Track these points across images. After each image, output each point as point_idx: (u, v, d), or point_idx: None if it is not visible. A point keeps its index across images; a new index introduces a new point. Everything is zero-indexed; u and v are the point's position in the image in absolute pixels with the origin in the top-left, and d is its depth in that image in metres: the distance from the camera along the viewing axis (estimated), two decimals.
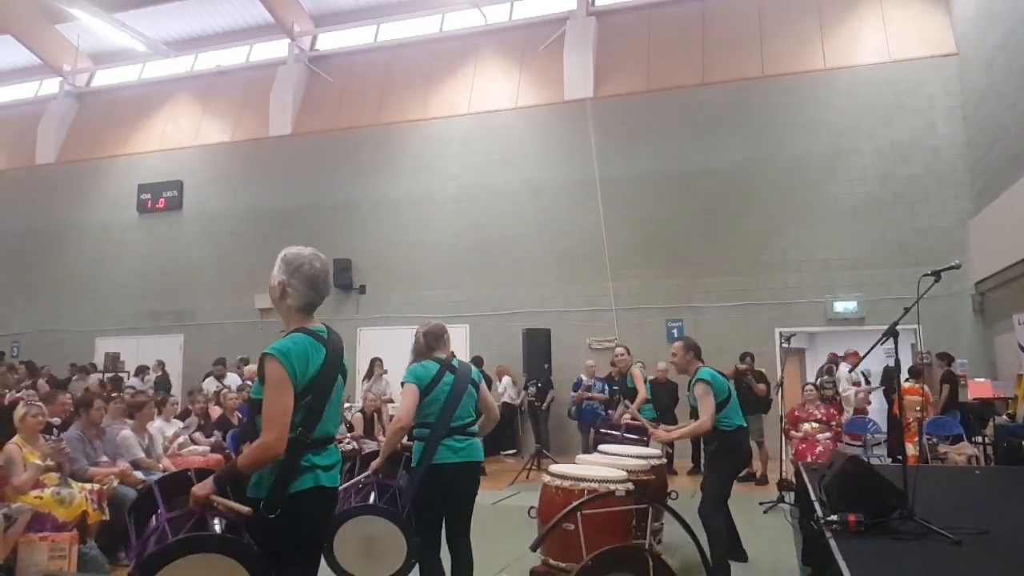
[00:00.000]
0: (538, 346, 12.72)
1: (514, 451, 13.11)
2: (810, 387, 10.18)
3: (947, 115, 12.64)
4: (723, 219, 13.43)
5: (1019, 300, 10.05)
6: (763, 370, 10.79)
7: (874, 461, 8.20)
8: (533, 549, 4.16)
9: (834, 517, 3.89)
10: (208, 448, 8.36)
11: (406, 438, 4.31)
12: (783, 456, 9.40)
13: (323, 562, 3.52)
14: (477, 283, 14.62)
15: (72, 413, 6.99)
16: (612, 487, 4.38)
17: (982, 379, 10.52)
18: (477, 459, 4.25)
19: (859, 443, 10.00)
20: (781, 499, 8.04)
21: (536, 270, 14.28)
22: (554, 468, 4.86)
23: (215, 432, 8.92)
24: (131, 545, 3.10)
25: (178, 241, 17.16)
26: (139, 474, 6.51)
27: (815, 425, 9.08)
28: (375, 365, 12.29)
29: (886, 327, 4.25)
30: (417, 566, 4.16)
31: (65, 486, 5.59)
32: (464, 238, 14.88)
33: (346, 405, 8.62)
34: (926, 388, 10.09)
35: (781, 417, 9.44)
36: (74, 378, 13.22)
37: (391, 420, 11.13)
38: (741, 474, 7.28)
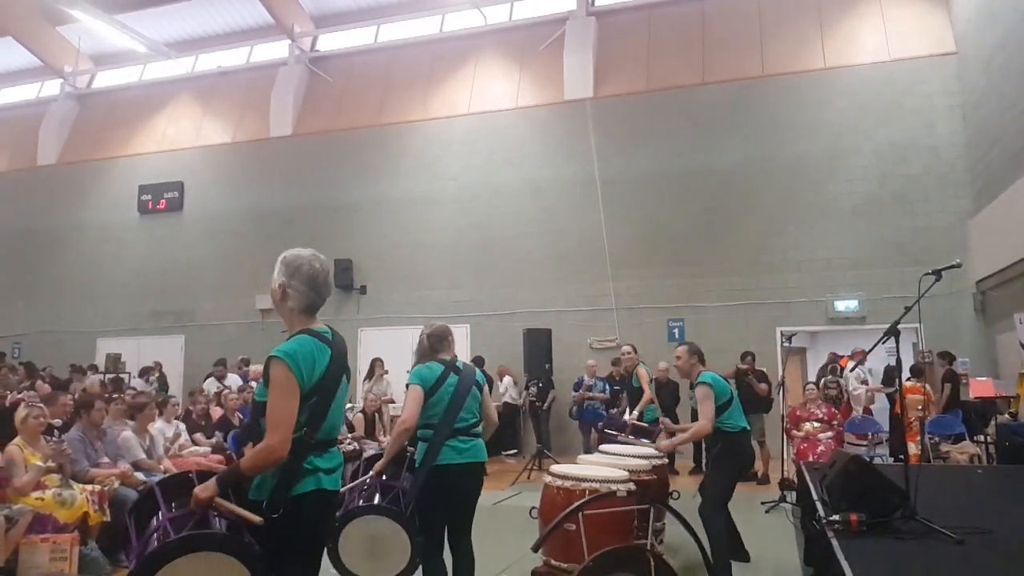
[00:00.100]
0: (539, 346, 12.71)
1: (515, 451, 13.10)
2: (811, 386, 10.18)
3: (947, 114, 12.63)
4: (723, 219, 13.43)
5: (1020, 299, 10.04)
6: (764, 370, 10.78)
7: (876, 460, 8.20)
8: (535, 550, 4.16)
9: (836, 517, 3.89)
10: (209, 449, 8.37)
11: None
12: (785, 456, 9.40)
13: (327, 562, 3.52)
14: (478, 283, 14.62)
15: (73, 414, 6.98)
16: (613, 487, 4.38)
17: (984, 378, 10.51)
18: (481, 460, 4.28)
19: (864, 443, 9.98)
20: (783, 499, 8.03)
21: (537, 270, 14.28)
22: (555, 468, 4.85)
23: (216, 433, 8.93)
24: (132, 546, 3.10)
25: (179, 242, 17.16)
26: (140, 475, 6.51)
27: (816, 424, 9.07)
28: (376, 365, 12.29)
29: (887, 326, 4.25)
30: (420, 566, 4.17)
31: (66, 487, 5.58)
32: (465, 238, 14.88)
33: (348, 406, 8.64)
34: (928, 387, 10.08)
35: (782, 417, 9.44)
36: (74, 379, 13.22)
37: (392, 421, 11.21)
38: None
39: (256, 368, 12.06)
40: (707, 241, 13.44)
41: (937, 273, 4.26)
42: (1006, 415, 9.34)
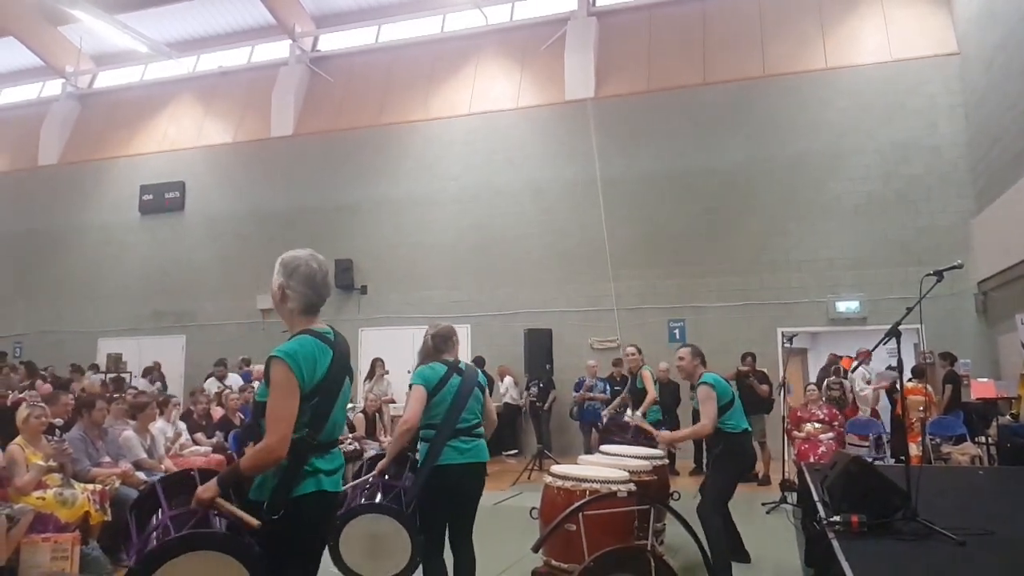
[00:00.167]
0: (540, 346, 12.71)
1: (516, 451, 13.10)
2: (812, 387, 10.17)
3: (948, 114, 12.62)
4: (725, 219, 13.42)
5: (1022, 300, 10.04)
6: (765, 370, 10.77)
7: (877, 462, 8.19)
8: (535, 550, 4.15)
9: (837, 518, 3.89)
10: (210, 449, 8.37)
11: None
12: (785, 456, 9.40)
13: (327, 560, 3.52)
14: (479, 283, 14.62)
15: (74, 414, 6.99)
16: (614, 488, 4.38)
17: (985, 379, 10.50)
18: (482, 460, 4.29)
19: (867, 444, 9.95)
20: (784, 500, 8.03)
21: (537, 270, 14.28)
22: (556, 469, 4.85)
23: (217, 433, 8.93)
24: (132, 543, 3.10)
25: (180, 242, 17.17)
26: (141, 475, 6.51)
27: (817, 425, 9.07)
28: (376, 366, 12.30)
29: (888, 327, 4.25)
30: (420, 565, 4.17)
31: (67, 487, 5.59)
32: (466, 238, 14.88)
33: (348, 406, 8.69)
34: (929, 388, 10.06)
35: (783, 417, 9.43)
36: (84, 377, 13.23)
37: (393, 421, 11.22)
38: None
39: (259, 367, 12.06)
40: (708, 241, 13.43)
41: (939, 274, 4.26)
42: (1007, 416, 9.33)
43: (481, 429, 4.33)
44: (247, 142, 17.28)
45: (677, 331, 13.17)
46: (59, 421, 7.09)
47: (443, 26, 16.87)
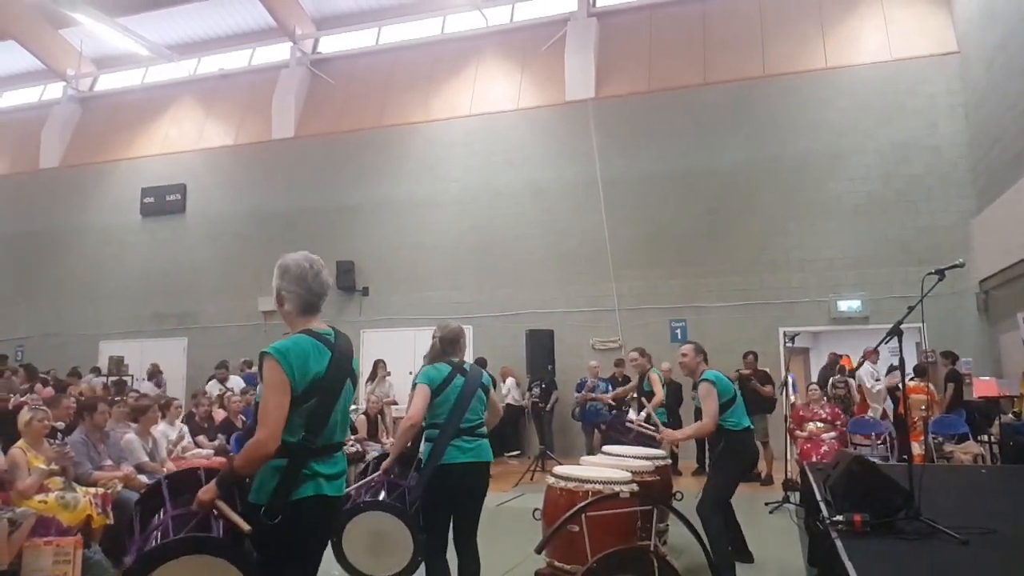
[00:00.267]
0: (541, 347, 12.70)
1: (518, 452, 13.10)
2: (814, 387, 10.16)
3: (949, 114, 12.61)
4: (726, 219, 13.41)
5: (1023, 298, 10.03)
6: (767, 370, 10.75)
7: (889, 462, 8.20)
8: (538, 551, 4.15)
9: (840, 517, 3.89)
10: (212, 451, 8.37)
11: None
12: (788, 456, 9.39)
13: (328, 557, 3.51)
14: (480, 284, 14.62)
15: (76, 417, 6.99)
16: (616, 488, 4.37)
17: (987, 377, 10.50)
18: (486, 460, 4.30)
19: (868, 443, 9.94)
20: (786, 499, 8.02)
21: (538, 271, 14.28)
22: (558, 469, 4.85)
23: (219, 435, 8.93)
24: (134, 540, 3.11)
25: (181, 244, 17.19)
26: (143, 478, 6.50)
27: (820, 425, 9.06)
28: (378, 367, 12.30)
29: (890, 326, 4.25)
30: (423, 565, 4.18)
31: (69, 490, 5.58)
32: (466, 239, 14.88)
33: (352, 407, 8.67)
34: (931, 387, 10.05)
35: (786, 417, 9.42)
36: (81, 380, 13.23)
37: (395, 422, 11.22)
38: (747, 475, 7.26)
39: None
40: (709, 241, 13.43)
41: (940, 273, 4.25)
42: (1010, 415, 9.33)
43: (484, 429, 4.35)
44: (248, 144, 17.29)
45: (679, 331, 13.16)
46: (61, 424, 7.09)
47: (443, 28, 16.88)
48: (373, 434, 10.27)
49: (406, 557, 4.22)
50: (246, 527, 2.69)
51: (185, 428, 8.48)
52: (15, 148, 19.74)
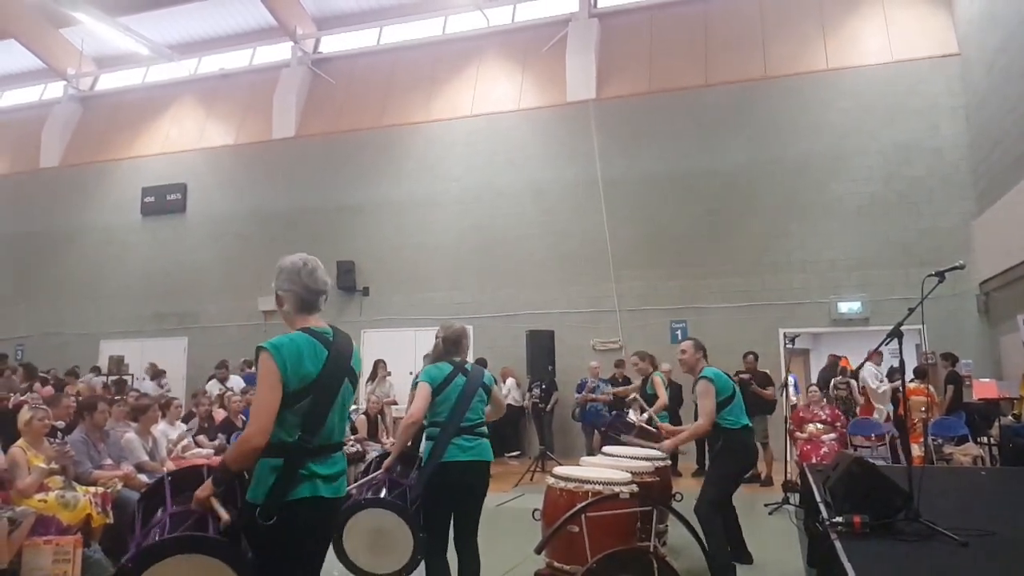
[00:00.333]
0: (542, 348, 12.70)
1: (518, 453, 13.10)
2: (814, 388, 10.15)
3: (950, 115, 12.61)
4: (726, 220, 13.41)
5: (1023, 300, 10.03)
6: (767, 371, 10.74)
7: (879, 462, 8.18)
8: (538, 552, 4.15)
9: (839, 518, 3.88)
10: (212, 451, 8.36)
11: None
12: (788, 457, 9.39)
13: (331, 555, 3.52)
14: (480, 285, 14.62)
15: (76, 416, 6.99)
16: (616, 489, 4.37)
17: (987, 379, 10.50)
18: (486, 459, 4.31)
19: (869, 444, 9.94)
20: (786, 500, 8.02)
21: (539, 271, 14.28)
22: (558, 470, 4.85)
23: (219, 435, 8.93)
24: (135, 535, 3.12)
25: (182, 244, 17.19)
26: (143, 477, 6.50)
27: (820, 426, 9.06)
28: (378, 367, 12.30)
29: (891, 327, 4.24)
30: (423, 564, 4.18)
31: (69, 489, 5.58)
32: (467, 240, 14.88)
33: (352, 407, 8.67)
34: (931, 389, 10.05)
35: (786, 418, 9.41)
36: (80, 379, 13.23)
37: (395, 422, 11.21)
38: (747, 475, 7.24)
39: None
40: (710, 242, 13.42)
41: (940, 274, 4.25)
42: (1010, 417, 9.32)
43: (485, 428, 4.36)
44: (249, 144, 17.30)
45: (679, 332, 13.15)
46: (61, 423, 7.09)
47: (444, 28, 16.89)
48: (373, 434, 10.27)
49: (406, 555, 4.23)
50: (225, 516, 2.70)
51: (185, 427, 8.48)
52: (15, 147, 19.75)
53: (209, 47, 18.71)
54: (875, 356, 10.51)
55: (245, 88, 18.01)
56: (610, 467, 5.18)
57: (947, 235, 12.19)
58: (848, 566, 3.22)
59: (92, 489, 5.75)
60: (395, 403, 12.09)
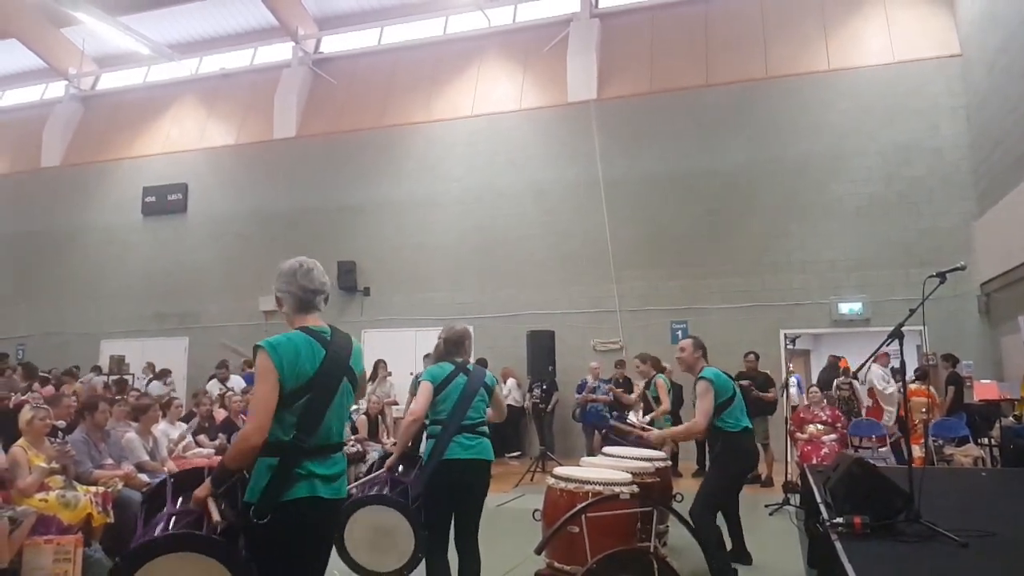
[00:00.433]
0: (542, 348, 12.69)
1: (519, 453, 13.09)
2: (815, 389, 10.15)
3: (951, 116, 12.60)
4: (727, 220, 13.41)
5: None
6: (768, 372, 10.72)
7: (880, 463, 8.18)
8: (538, 552, 4.15)
9: (840, 519, 3.88)
10: (213, 451, 8.37)
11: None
12: (788, 458, 9.39)
13: (333, 554, 3.52)
14: (481, 285, 14.62)
15: (77, 416, 7.00)
16: (616, 489, 4.38)
17: (988, 380, 10.49)
18: (487, 458, 4.32)
19: (870, 445, 9.93)
20: (786, 501, 8.02)
21: (540, 272, 14.28)
22: (558, 470, 4.85)
23: (220, 435, 8.93)
24: (136, 535, 3.13)
25: (183, 244, 17.20)
26: (144, 477, 6.51)
27: (820, 427, 9.06)
28: (379, 367, 12.29)
29: (891, 328, 4.24)
30: (423, 562, 4.18)
31: (70, 489, 5.59)
32: (468, 240, 14.88)
33: (353, 408, 8.67)
34: (932, 390, 10.04)
35: (786, 419, 9.41)
36: (80, 379, 13.23)
37: (396, 423, 11.21)
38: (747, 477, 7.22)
39: None
40: (711, 242, 13.42)
41: (941, 275, 4.24)
42: (1010, 418, 9.31)
43: (486, 428, 4.38)
44: (249, 144, 17.30)
45: (680, 332, 13.13)
46: (62, 423, 7.10)
47: (446, 28, 16.89)
48: (374, 434, 10.28)
49: (407, 553, 4.24)
50: (217, 517, 2.70)
51: (186, 427, 8.48)
52: (16, 147, 19.76)
53: (210, 47, 18.72)
54: (883, 357, 10.49)
55: (246, 88, 18.02)
56: (610, 467, 5.18)
57: (948, 236, 12.19)
58: (848, 567, 3.22)
59: (93, 489, 5.75)
60: (396, 403, 12.09)
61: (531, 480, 10.13)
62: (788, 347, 11.88)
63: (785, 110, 13.51)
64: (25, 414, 5.86)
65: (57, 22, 18.43)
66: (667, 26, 14.99)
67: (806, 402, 9.88)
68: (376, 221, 15.66)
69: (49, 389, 10.87)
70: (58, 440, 6.18)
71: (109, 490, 5.83)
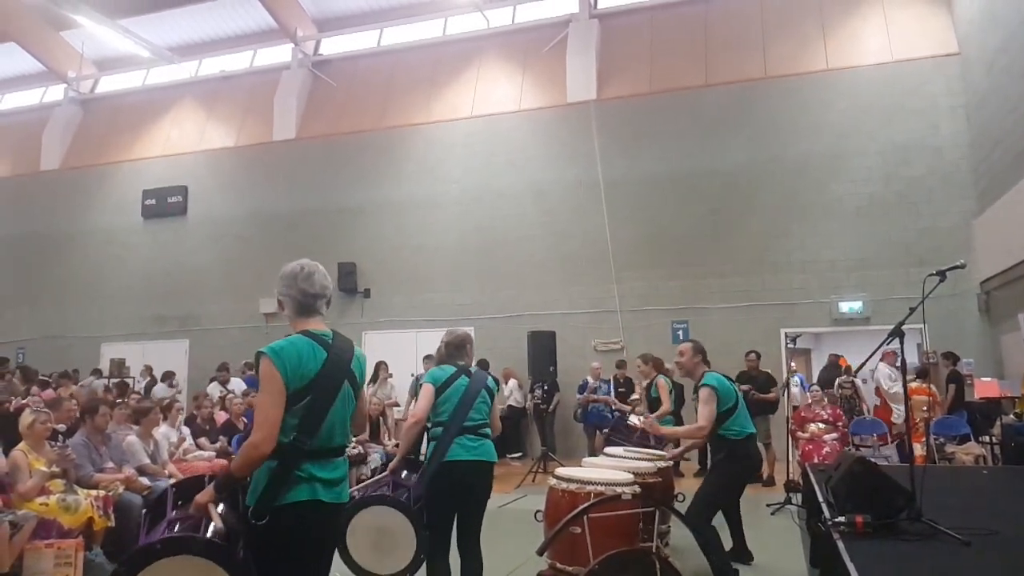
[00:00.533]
0: (543, 348, 12.67)
1: (520, 454, 13.09)
2: (816, 388, 10.14)
3: (950, 115, 12.60)
4: (727, 220, 13.41)
5: None
6: (769, 371, 10.70)
7: (880, 462, 8.18)
8: (540, 553, 4.15)
9: (841, 518, 3.89)
10: (213, 454, 8.37)
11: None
12: (790, 457, 9.38)
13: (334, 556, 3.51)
14: (481, 286, 14.62)
15: (77, 419, 7.00)
16: (618, 490, 4.37)
17: (988, 378, 10.47)
18: (490, 460, 4.32)
19: (870, 444, 9.92)
20: (788, 500, 8.00)
21: (540, 272, 14.27)
22: (560, 471, 4.85)
23: (220, 437, 8.93)
24: (139, 544, 3.13)
25: (183, 246, 17.20)
26: (144, 480, 6.51)
27: (822, 426, 9.05)
28: (380, 369, 12.28)
29: (892, 327, 4.24)
30: (425, 564, 4.18)
31: (71, 493, 5.59)
32: (468, 241, 14.88)
33: None
34: (932, 388, 10.04)
35: (788, 418, 9.40)
36: (81, 383, 13.24)
37: (397, 424, 11.22)
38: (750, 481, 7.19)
39: None
40: (711, 242, 13.42)
41: (941, 274, 4.25)
42: (1011, 416, 9.31)
43: (488, 430, 4.37)
44: (249, 146, 17.31)
45: (680, 332, 13.14)
46: (62, 427, 7.10)
47: (445, 29, 16.89)
48: (375, 436, 10.28)
49: (409, 555, 4.22)
50: (219, 523, 2.70)
51: (187, 431, 8.48)
52: (16, 150, 19.76)
53: (209, 49, 18.72)
54: (890, 356, 10.44)
55: (246, 90, 18.02)
56: (612, 468, 5.18)
57: (947, 234, 12.18)
58: (850, 566, 3.22)
59: (94, 492, 5.75)
60: (397, 405, 12.09)
61: (533, 481, 10.12)
62: (789, 346, 11.87)
63: (785, 110, 13.51)
64: (26, 418, 5.86)
65: (56, 25, 18.44)
66: (666, 26, 14.99)
67: (809, 401, 9.87)
68: (376, 222, 15.66)
69: (50, 393, 10.86)
70: (59, 444, 6.17)
71: (110, 494, 5.83)
